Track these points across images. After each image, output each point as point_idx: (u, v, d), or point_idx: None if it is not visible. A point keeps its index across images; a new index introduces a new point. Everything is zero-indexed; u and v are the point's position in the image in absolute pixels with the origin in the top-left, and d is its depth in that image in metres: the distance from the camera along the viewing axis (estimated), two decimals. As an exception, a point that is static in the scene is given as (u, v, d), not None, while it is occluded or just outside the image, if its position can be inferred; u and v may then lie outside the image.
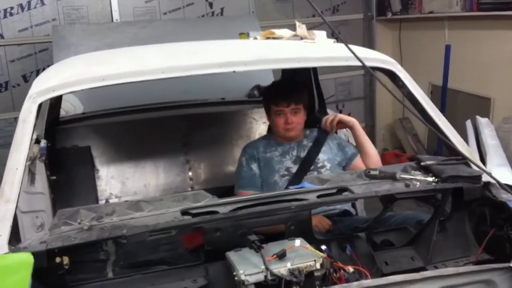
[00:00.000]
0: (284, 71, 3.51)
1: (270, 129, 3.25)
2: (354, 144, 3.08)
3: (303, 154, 2.94)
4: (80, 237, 1.66)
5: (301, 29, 2.63)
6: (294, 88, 2.99)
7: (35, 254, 1.57)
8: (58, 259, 1.70)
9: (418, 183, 1.98)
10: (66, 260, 1.72)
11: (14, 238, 1.71)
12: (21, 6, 4.94)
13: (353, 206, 2.93)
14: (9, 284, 1.52)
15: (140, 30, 4.38)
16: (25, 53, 5.07)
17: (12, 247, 1.64)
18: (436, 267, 1.97)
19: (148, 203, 1.87)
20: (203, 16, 5.59)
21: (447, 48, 5.38)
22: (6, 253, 1.61)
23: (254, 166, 2.94)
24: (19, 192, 1.77)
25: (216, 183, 3.68)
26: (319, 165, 2.91)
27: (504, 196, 1.96)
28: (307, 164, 2.90)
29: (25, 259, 1.54)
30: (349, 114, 6.42)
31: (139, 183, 3.63)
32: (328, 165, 2.91)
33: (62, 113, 3.60)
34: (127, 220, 1.77)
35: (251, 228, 1.85)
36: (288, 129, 2.90)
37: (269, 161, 2.93)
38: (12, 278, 1.53)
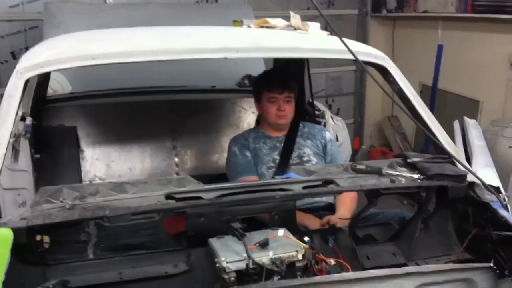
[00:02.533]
0: (276, 61, 3.49)
1: (258, 121, 3.23)
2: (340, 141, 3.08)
3: (289, 147, 2.93)
4: (61, 216, 1.64)
5: (295, 19, 2.61)
6: (289, 76, 2.99)
7: (15, 230, 1.55)
8: (38, 237, 1.69)
9: (403, 179, 1.98)
10: (46, 239, 1.70)
11: (-6, 214, 1.70)
12: (13, -19, 4.88)
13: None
14: (-13, 259, 1.50)
15: (133, 13, 4.34)
16: (15, 30, 5.01)
17: (-8, 223, 1.62)
18: (417, 264, 1.98)
19: (132, 185, 1.86)
20: (197, 2, 5.56)
21: (439, 48, 5.41)
22: (-14, 228, 1.59)
23: (248, 154, 2.92)
24: (1, 168, 1.74)
25: (202, 170, 3.67)
26: (304, 159, 2.91)
27: (488, 196, 1.98)
28: (287, 153, 2.90)
29: (5, 235, 1.52)
30: (338, 110, 6.49)
31: (124, 166, 3.61)
32: (314, 160, 2.91)
33: (50, 91, 3.56)
34: (110, 201, 1.75)
35: (235, 216, 1.84)
36: (280, 117, 2.90)
37: (258, 152, 2.93)
38: (-10, 252, 1.51)
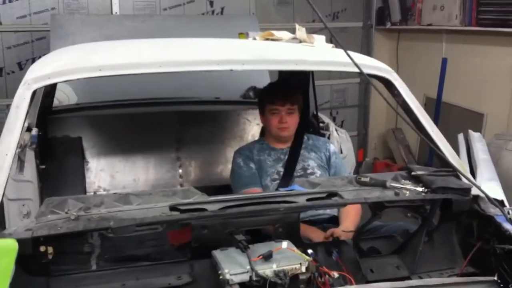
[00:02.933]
0: (281, 73, 3.51)
1: (262, 133, 3.24)
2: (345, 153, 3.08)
3: (293, 159, 2.94)
4: (66, 227, 1.65)
5: (301, 32, 2.63)
6: (291, 89, 3.00)
7: (20, 241, 1.56)
8: (42, 248, 1.69)
9: (407, 192, 1.98)
10: (50, 250, 1.71)
11: (0, 225, 1.70)
12: (21, -7, 4.93)
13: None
14: (-8, 269, 1.51)
15: (139, 24, 4.37)
16: (22, 41, 5.04)
17: (-3, 233, 1.63)
18: (420, 277, 1.98)
19: (137, 196, 1.86)
20: (203, 14, 5.59)
21: (444, 61, 5.41)
22: (-9, 238, 1.59)
23: (252, 165, 2.92)
24: (7, 179, 1.75)
25: (206, 181, 3.68)
26: (308, 171, 2.91)
27: (492, 210, 1.97)
28: (292, 165, 2.90)
29: (10, 245, 1.53)
30: (342, 122, 6.50)
31: (129, 177, 3.62)
32: (318, 172, 2.91)
33: (56, 102, 3.58)
34: (114, 212, 1.75)
35: (239, 228, 1.84)
36: (282, 129, 2.90)
37: (262, 164, 2.93)
38: (-4, 263, 1.52)
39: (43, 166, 2.80)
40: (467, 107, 5.26)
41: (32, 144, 2.24)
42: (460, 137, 2.58)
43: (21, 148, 1.97)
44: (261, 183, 2.88)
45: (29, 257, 1.63)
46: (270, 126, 2.94)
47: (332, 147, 3.07)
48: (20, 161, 2.06)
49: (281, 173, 2.89)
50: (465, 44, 5.30)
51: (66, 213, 1.72)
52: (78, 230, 1.65)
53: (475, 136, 2.56)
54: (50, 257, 1.72)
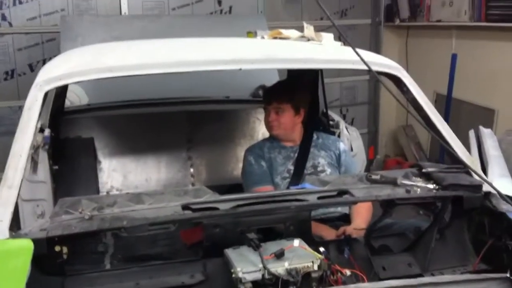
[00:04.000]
0: (290, 72, 3.51)
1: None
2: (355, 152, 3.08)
3: (303, 157, 2.94)
4: (80, 227, 1.67)
5: (309, 30, 2.63)
6: (283, 87, 3.03)
7: (35, 241, 1.58)
8: (57, 248, 1.71)
9: (418, 189, 1.98)
10: (65, 249, 1.73)
11: (15, 225, 1.72)
12: (31, -5, 4.96)
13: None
14: (9, 269, 1.53)
15: (148, 24, 4.39)
16: (32, 42, 5.07)
17: (13, 233, 1.65)
18: (433, 275, 1.98)
19: (149, 196, 1.88)
20: (211, 13, 5.60)
21: (453, 57, 5.39)
22: (7, 238, 1.62)
23: (263, 163, 2.93)
24: (22, 179, 1.77)
25: (217, 181, 3.69)
26: (319, 169, 2.91)
27: (504, 207, 1.97)
28: (302, 164, 2.91)
29: (25, 245, 1.55)
30: (352, 119, 6.49)
31: (141, 177, 3.64)
32: (328, 170, 2.91)
33: (67, 103, 3.60)
34: (127, 212, 1.77)
35: (251, 226, 1.85)
36: (270, 127, 2.95)
37: (273, 162, 2.94)
38: (12, 263, 1.54)
39: (56, 167, 2.82)
40: (477, 103, 5.23)
41: (45, 145, 2.26)
42: (471, 133, 2.57)
43: (34, 149, 1.99)
44: (272, 181, 2.89)
45: (44, 257, 1.65)
46: (264, 124, 3.02)
47: (342, 145, 3.07)
48: (33, 162, 2.09)
49: (291, 171, 2.90)
50: (474, 40, 5.27)
51: (80, 213, 1.75)
52: (92, 229, 1.67)
53: (486, 132, 2.54)
54: (64, 257, 1.74)
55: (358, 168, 3.18)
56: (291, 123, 2.93)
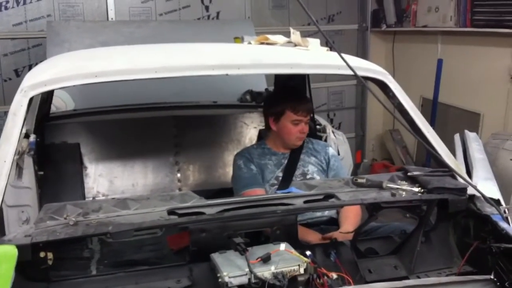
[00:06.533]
0: (277, 77, 3.52)
1: (260, 136, 3.23)
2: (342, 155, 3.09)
3: (293, 164, 2.95)
4: (65, 232, 1.66)
5: (295, 36, 2.64)
6: (306, 98, 3.04)
7: (20, 247, 1.56)
8: (42, 254, 1.70)
9: (404, 193, 1.99)
10: (50, 255, 1.71)
11: (-1, 231, 1.71)
12: (16, 0, 4.93)
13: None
14: (-8, 276, 1.52)
15: (135, 30, 4.38)
16: (18, 48, 5.05)
17: (-3, 240, 1.64)
18: (418, 277, 1.98)
19: (135, 201, 1.87)
20: (198, 19, 5.60)
21: (439, 62, 5.44)
22: (-10, 245, 1.60)
23: (253, 167, 2.91)
24: (6, 185, 1.76)
25: (204, 185, 3.69)
26: (308, 176, 2.91)
27: (488, 209, 1.98)
28: (291, 170, 2.91)
29: (9, 252, 1.54)
30: (339, 124, 6.52)
31: (127, 182, 3.63)
32: (317, 178, 2.92)
33: (53, 109, 3.59)
34: (113, 217, 1.76)
35: (237, 231, 1.85)
36: (301, 138, 2.93)
37: (263, 169, 2.93)
38: (-5, 269, 1.53)
39: (42, 172, 2.80)
40: (463, 107, 5.29)
41: (30, 151, 2.24)
42: (456, 137, 2.59)
43: (19, 154, 1.98)
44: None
45: (28, 263, 1.64)
46: (289, 134, 2.89)
47: (331, 150, 3.08)
48: (18, 167, 2.08)
49: (280, 178, 2.90)
50: (460, 45, 5.33)
51: (65, 218, 1.73)
52: (77, 235, 1.66)
53: (471, 136, 2.57)
54: (50, 262, 1.72)
55: (346, 172, 3.19)
56: None
